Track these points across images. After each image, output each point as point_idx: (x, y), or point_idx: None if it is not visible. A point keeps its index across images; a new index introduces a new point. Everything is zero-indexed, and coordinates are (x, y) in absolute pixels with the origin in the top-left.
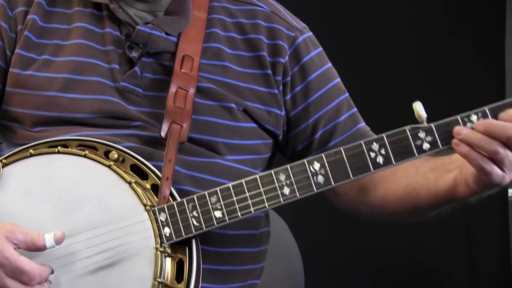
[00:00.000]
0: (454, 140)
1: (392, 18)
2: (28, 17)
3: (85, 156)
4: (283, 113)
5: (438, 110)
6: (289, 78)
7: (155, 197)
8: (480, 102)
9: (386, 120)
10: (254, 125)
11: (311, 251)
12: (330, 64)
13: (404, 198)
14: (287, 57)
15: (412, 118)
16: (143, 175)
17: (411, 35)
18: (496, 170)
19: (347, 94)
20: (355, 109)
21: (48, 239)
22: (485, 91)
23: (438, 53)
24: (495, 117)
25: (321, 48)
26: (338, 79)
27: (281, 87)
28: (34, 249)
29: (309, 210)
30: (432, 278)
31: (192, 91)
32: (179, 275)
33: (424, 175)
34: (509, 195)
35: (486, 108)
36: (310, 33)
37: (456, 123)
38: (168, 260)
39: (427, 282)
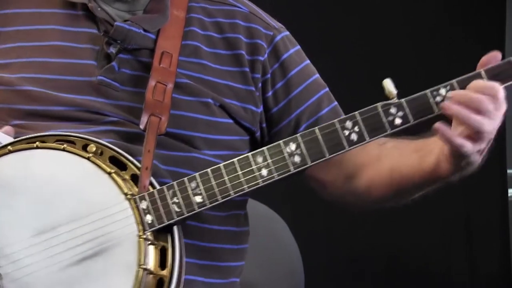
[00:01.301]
0: (445, 104)
1: (392, 18)
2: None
3: (63, 149)
4: (259, 110)
5: None
6: (269, 75)
7: (135, 187)
8: None
9: None
10: (230, 120)
11: (311, 251)
12: (308, 61)
13: (390, 181)
14: (266, 55)
15: None
16: (122, 167)
17: (411, 35)
18: (468, 144)
19: (327, 88)
20: (336, 103)
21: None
22: None
23: (438, 53)
24: (463, 89)
25: (299, 46)
26: (317, 75)
27: (259, 85)
28: None
29: (309, 210)
30: (432, 278)
31: (170, 85)
32: (162, 262)
33: (408, 157)
34: (509, 195)
35: (454, 81)
36: (287, 32)
37: (425, 97)
38: (151, 248)
39: (427, 282)
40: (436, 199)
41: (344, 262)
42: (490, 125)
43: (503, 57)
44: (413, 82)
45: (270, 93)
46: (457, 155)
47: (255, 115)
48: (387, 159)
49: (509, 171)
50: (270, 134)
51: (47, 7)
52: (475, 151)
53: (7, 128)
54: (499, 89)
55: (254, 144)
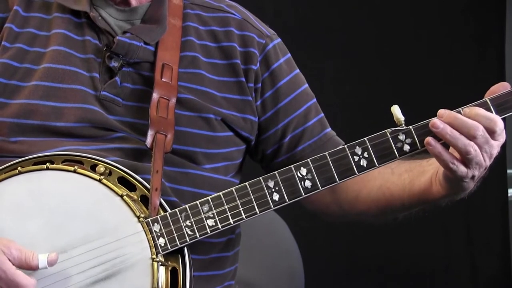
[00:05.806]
0: (427, 139)
1: (391, 19)
2: (5, 25)
3: (74, 171)
4: (256, 119)
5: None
6: (260, 84)
7: (145, 208)
8: None
9: (387, 120)
10: (230, 133)
11: (311, 251)
12: (298, 70)
13: (378, 197)
14: (258, 64)
15: (412, 120)
16: (131, 187)
17: (410, 36)
18: (461, 167)
19: (314, 99)
20: (322, 114)
21: (42, 260)
22: (485, 92)
23: (438, 54)
24: None
25: (289, 55)
26: (306, 85)
27: (253, 94)
28: (26, 267)
29: (309, 211)
30: (432, 278)
31: (173, 100)
32: (173, 283)
33: (399, 175)
34: (509, 195)
35: (460, 109)
36: (279, 40)
37: None
38: (162, 269)
39: (427, 282)
40: None
41: (344, 262)
42: (477, 151)
43: (503, 57)
44: (413, 82)
45: (259, 102)
46: (451, 179)
47: (253, 124)
48: (377, 176)
49: (509, 171)
50: (257, 141)
51: (52, 12)
52: (469, 177)
53: (53, 256)
54: (498, 121)
55: (247, 151)
